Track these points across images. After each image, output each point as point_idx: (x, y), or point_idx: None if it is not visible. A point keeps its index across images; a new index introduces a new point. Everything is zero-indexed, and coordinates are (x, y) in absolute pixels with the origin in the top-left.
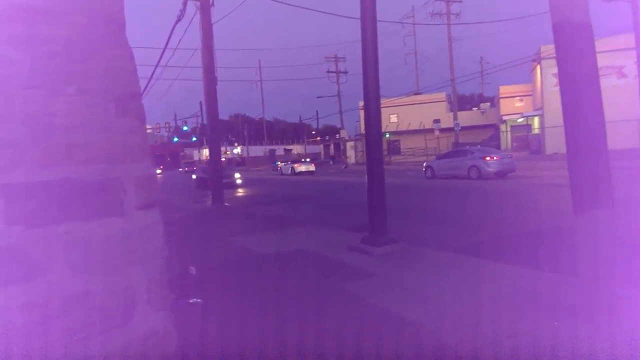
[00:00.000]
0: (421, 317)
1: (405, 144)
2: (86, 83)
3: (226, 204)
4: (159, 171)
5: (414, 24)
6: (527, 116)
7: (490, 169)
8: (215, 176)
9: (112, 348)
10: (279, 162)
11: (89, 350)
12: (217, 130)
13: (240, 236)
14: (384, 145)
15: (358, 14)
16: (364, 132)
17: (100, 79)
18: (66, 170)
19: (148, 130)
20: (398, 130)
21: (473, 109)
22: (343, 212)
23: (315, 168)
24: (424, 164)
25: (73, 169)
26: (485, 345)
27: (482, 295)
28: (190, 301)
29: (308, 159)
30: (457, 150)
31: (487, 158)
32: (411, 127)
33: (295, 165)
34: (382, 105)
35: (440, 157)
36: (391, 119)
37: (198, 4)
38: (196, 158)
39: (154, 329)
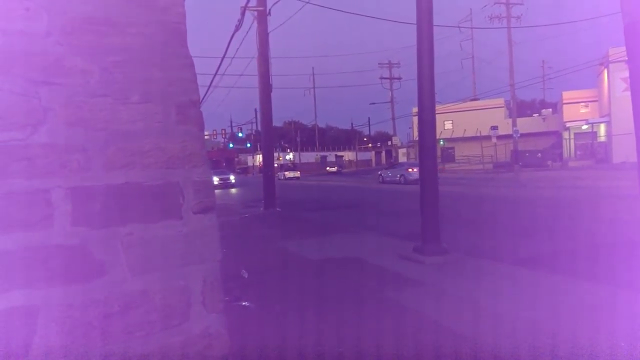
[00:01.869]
0: (474, 332)
1: (460, 151)
2: (149, 91)
3: (278, 209)
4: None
5: (471, 27)
6: (592, 123)
7: (412, 177)
8: (268, 181)
9: (170, 347)
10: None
11: (148, 347)
12: (270, 137)
13: (290, 241)
14: (438, 153)
15: (414, 19)
16: (416, 139)
17: (162, 87)
18: (128, 174)
19: (205, 137)
20: (453, 137)
21: (534, 115)
22: (395, 219)
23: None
24: (379, 173)
25: (135, 174)
26: None
27: (538, 309)
28: (243, 304)
29: (295, 169)
30: (395, 164)
31: (410, 169)
32: (467, 134)
33: (286, 172)
34: (437, 112)
35: (387, 168)
36: (445, 125)
37: (255, 13)
38: (250, 164)
39: (208, 330)
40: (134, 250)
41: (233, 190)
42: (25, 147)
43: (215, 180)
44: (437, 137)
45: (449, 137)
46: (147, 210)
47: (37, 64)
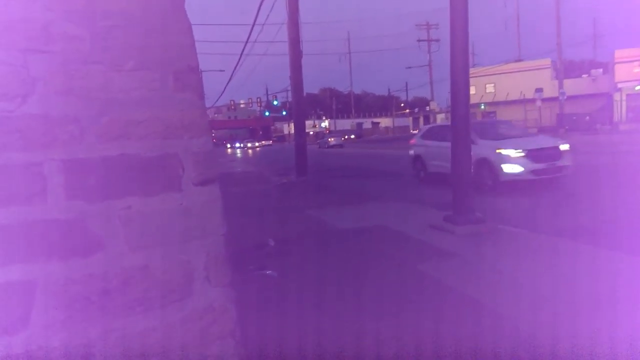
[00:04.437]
0: (506, 307)
1: (502, 115)
2: (144, 58)
3: (309, 177)
4: (257, 144)
5: None
6: None
7: (330, 144)
8: (300, 149)
9: (171, 322)
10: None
11: (148, 323)
12: (301, 104)
13: (321, 209)
14: (478, 117)
15: None
16: None
17: (159, 54)
18: (125, 145)
19: (241, 105)
20: (495, 101)
21: (583, 76)
22: (431, 189)
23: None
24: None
25: (132, 145)
26: (582, 346)
27: (577, 285)
28: (267, 272)
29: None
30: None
31: (329, 139)
32: (510, 98)
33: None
34: (477, 74)
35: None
36: (487, 88)
37: None
38: (286, 132)
39: (213, 305)
40: (132, 224)
41: (266, 158)
42: (14, 118)
43: (249, 145)
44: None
45: (490, 101)
46: (145, 183)
47: (24, 32)
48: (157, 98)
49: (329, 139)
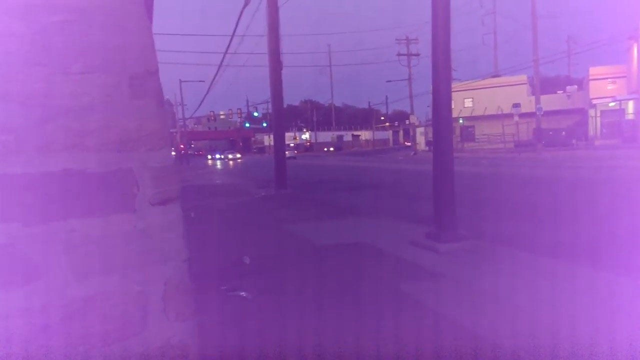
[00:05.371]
0: (487, 329)
1: (481, 130)
2: (95, 59)
3: (288, 190)
4: (239, 155)
5: None
6: (620, 100)
7: (229, 157)
8: (279, 162)
9: None
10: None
11: None
12: (281, 115)
13: (299, 224)
14: (457, 131)
15: None
16: None
17: (112, 55)
18: (70, 159)
19: (221, 116)
20: (473, 115)
21: (558, 92)
22: (409, 202)
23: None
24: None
25: (78, 158)
26: None
27: (561, 303)
28: (241, 294)
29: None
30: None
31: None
32: (487, 112)
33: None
34: (456, 89)
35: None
36: (465, 103)
37: None
38: (266, 143)
39: (170, 342)
40: (77, 250)
41: (245, 170)
42: None
43: (230, 157)
44: (457, 115)
45: (468, 115)
46: (93, 203)
47: None
48: (110, 105)
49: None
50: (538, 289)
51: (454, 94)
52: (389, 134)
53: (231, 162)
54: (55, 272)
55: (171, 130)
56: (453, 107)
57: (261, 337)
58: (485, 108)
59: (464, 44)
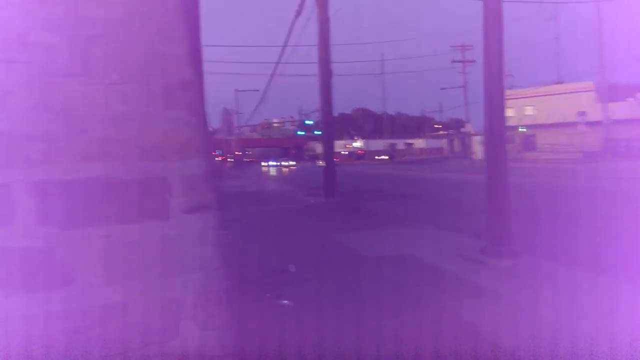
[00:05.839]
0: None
1: (543, 139)
2: (130, 70)
3: (337, 198)
4: (293, 163)
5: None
6: None
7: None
8: (328, 170)
9: None
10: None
11: None
12: (331, 124)
13: (346, 233)
14: (517, 140)
15: None
16: None
17: (147, 66)
18: (106, 167)
19: (275, 125)
20: (535, 123)
21: (628, 99)
22: (462, 213)
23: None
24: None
25: (114, 166)
26: None
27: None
28: (283, 302)
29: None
30: None
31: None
32: (550, 120)
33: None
34: (515, 96)
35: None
36: (526, 111)
37: None
38: (318, 151)
39: (201, 350)
40: (112, 255)
41: (297, 178)
42: None
43: (284, 164)
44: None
45: (530, 123)
46: (128, 209)
47: None
48: (144, 115)
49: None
50: (600, 314)
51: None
52: (443, 143)
53: (285, 170)
54: (89, 276)
55: (228, 138)
56: (512, 115)
57: (298, 346)
58: (548, 116)
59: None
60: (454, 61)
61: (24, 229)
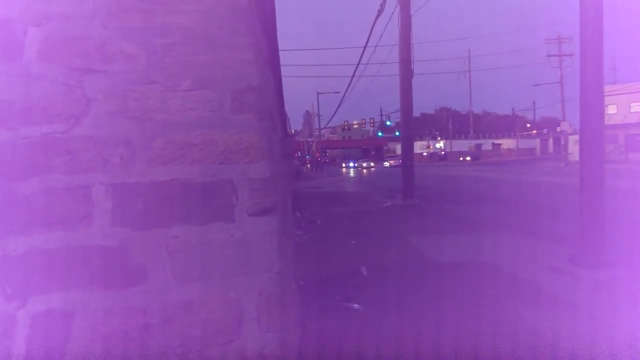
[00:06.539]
0: None
1: None
2: (202, 76)
3: (416, 200)
4: (372, 164)
5: None
6: None
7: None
8: (407, 171)
9: None
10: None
11: None
12: (410, 124)
13: (422, 237)
14: (621, 140)
15: None
16: None
17: (217, 71)
18: (176, 170)
19: (354, 126)
20: None
21: None
22: (551, 219)
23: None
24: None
25: (184, 169)
26: None
27: None
28: (353, 306)
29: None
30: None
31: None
32: None
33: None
34: (619, 92)
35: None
36: (632, 107)
37: None
38: (398, 152)
39: (263, 352)
40: (179, 255)
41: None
42: (67, 140)
43: (364, 165)
44: (621, 121)
45: (636, 121)
46: (195, 211)
47: (80, 50)
48: (214, 119)
49: (388, 162)
50: None
51: (616, 98)
52: (536, 143)
53: (364, 171)
54: (159, 275)
55: (308, 140)
56: (616, 112)
57: (359, 352)
58: None
59: (631, 41)
60: (549, 55)
61: (101, 229)
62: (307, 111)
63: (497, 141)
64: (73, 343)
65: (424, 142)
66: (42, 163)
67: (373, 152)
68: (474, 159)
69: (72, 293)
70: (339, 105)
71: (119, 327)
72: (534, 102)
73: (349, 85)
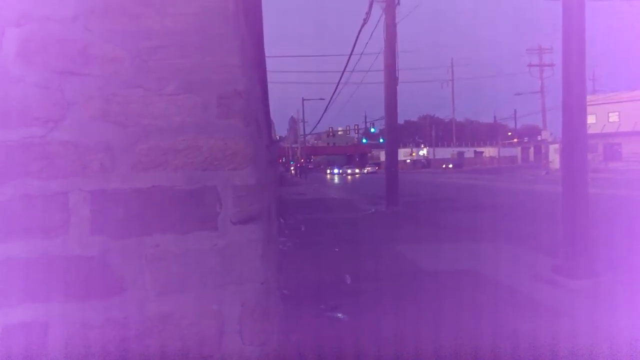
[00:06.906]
0: None
1: (630, 148)
2: (187, 80)
3: (399, 207)
4: (357, 170)
5: None
6: None
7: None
8: (390, 178)
9: None
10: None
11: None
12: (394, 132)
13: (406, 245)
14: (600, 149)
15: None
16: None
17: (202, 75)
18: (159, 177)
19: (339, 132)
20: (620, 131)
21: None
22: (534, 227)
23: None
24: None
25: (165, 176)
26: None
27: None
28: (336, 315)
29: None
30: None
31: None
32: (638, 128)
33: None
34: (598, 102)
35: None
36: (610, 117)
37: (384, 5)
38: (382, 159)
39: None
40: (159, 265)
41: (360, 186)
42: (44, 144)
43: (348, 172)
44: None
45: (614, 131)
46: (177, 219)
47: (61, 53)
48: (199, 125)
49: (366, 168)
50: None
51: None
52: (517, 151)
53: (349, 177)
54: (138, 285)
55: (293, 146)
56: (595, 122)
57: None
58: (635, 123)
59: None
60: (530, 65)
61: (79, 237)
62: (292, 117)
63: (479, 149)
64: (48, 357)
65: (408, 150)
66: (18, 168)
67: (357, 159)
68: (456, 166)
69: (47, 304)
70: (324, 112)
71: (96, 340)
72: (515, 110)
73: (334, 92)
